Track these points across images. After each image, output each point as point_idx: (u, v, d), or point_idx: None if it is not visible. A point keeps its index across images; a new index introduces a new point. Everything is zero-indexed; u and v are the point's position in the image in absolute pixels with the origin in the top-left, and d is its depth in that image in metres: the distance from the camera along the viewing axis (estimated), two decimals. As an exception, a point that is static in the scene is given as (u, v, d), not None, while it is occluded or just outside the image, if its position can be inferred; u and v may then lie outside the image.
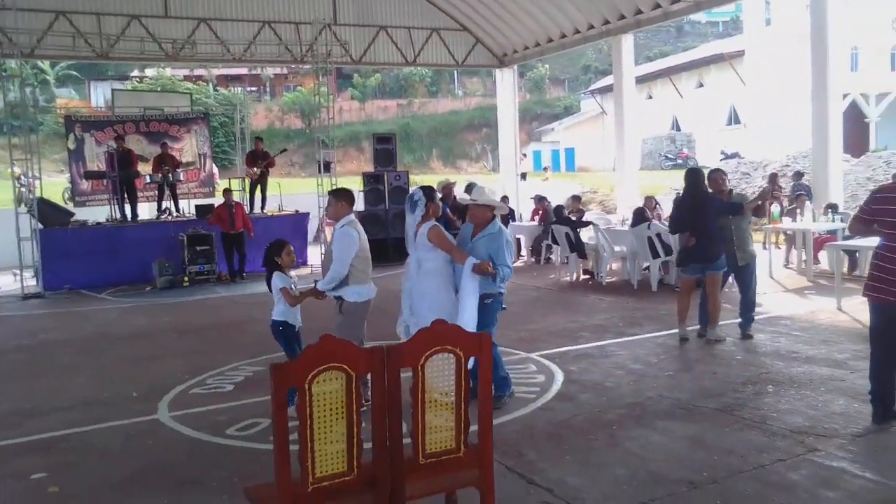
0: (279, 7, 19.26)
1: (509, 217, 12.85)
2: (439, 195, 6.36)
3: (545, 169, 38.35)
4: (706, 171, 7.92)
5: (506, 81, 23.13)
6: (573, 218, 12.69)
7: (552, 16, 19.40)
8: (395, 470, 2.99)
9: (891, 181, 7.42)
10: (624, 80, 18.19)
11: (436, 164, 52.62)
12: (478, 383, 3.23)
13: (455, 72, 59.22)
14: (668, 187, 25.44)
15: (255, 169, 15.51)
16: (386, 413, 2.95)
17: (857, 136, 30.85)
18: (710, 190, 7.55)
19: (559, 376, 6.49)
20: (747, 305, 7.65)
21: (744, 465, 4.41)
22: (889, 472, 4.24)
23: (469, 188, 6.53)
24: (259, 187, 15.85)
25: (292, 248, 6.05)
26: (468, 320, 5.30)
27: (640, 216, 11.16)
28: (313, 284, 5.86)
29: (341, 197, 5.91)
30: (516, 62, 22.86)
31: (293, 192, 19.22)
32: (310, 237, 16.65)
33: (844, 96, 25.85)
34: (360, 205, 15.51)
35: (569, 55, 42.68)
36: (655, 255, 10.81)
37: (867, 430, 4.88)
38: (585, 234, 12.59)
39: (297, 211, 16.04)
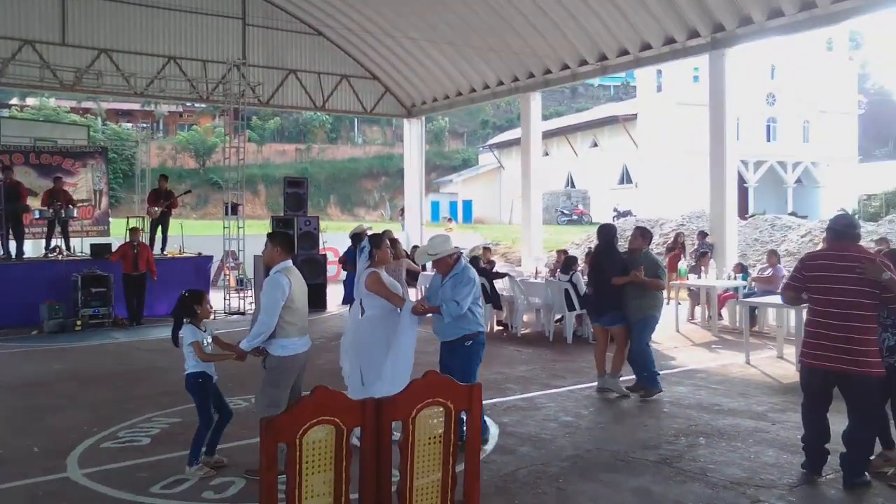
0: (186, 43, 18.84)
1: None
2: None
3: (448, 219, 38.69)
4: (636, 227, 8.12)
5: (413, 132, 23.35)
6: (484, 266, 12.77)
7: (462, 70, 19.84)
8: (380, 530, 2.82)
9: (819, 248, 7.76)
10: (531, 137, 18.75)
11: (333, 211, 52.28)
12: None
13: (356, 119, 59.51)
14: (568, 242, 26.20)
15: (157, 208, 14.85)
16: (375, 468, 2.79)
17: (739, 200, 32.86)
18: (625, 246, 7.80)
19: (493, 429, 6.40)
20: (632, 359, 7.65)
21: (695, 518, 4.46)
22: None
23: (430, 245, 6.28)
24: (160, 227, 15.18)
25: (209, 298, 5.71)
26: (403, 365, 5.43)
27: (569, 264, 11.38)
28: (236, 343, 5.31)
29: (276, 241, 5.47)
30: (424, 113, 23.18)
31: (192, 233, 18.53)
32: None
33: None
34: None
35: (468, 109, 43.69)
36: (571, 307, 11.00)
37: (800, 480, 5.05)
38: (499, 286, 12.67)
39: (199, 254, 15.42)
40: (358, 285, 5.78)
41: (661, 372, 7.79)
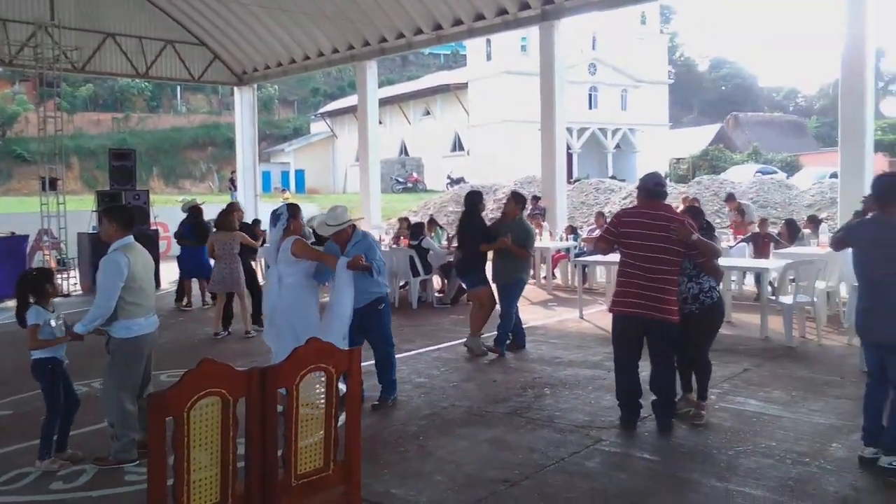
0: (-20, -2, 17.05)
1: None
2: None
3: (282, 190, 37.88)
4: (511, 194, 8.38)
5: (244, 100, 22.61)
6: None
7: (295, 37, 19.44)
8: (267, 495, 2.91)
9: (631, 206, 8.21)
10: (368, 105, 18.78)
11: (157, 184, 49.50)
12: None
13: (178, 87, 56.46)
14: (405, 209, 26.58)
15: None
16: (261, 436, 2.87)
17: (566, 165, 34.69)
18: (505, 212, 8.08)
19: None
20: (501, 321, 8.02)
21: (547, 461, 4.87)
22: (662, 452, 4.94)
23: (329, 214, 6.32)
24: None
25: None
26: (344, 320, 5.67)
27: (418, 231, 11.65)
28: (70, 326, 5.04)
29: (113, 216, 5.14)
30: (256, 81, 22.51)
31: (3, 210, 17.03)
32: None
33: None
34: (94, 226, 14.25)
35: (298, 77, 42.80)
36: (416, 273, 11.30)
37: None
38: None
39: (12, 233, 14.23)
40: (278, 254, 5.82)
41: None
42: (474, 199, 8.16)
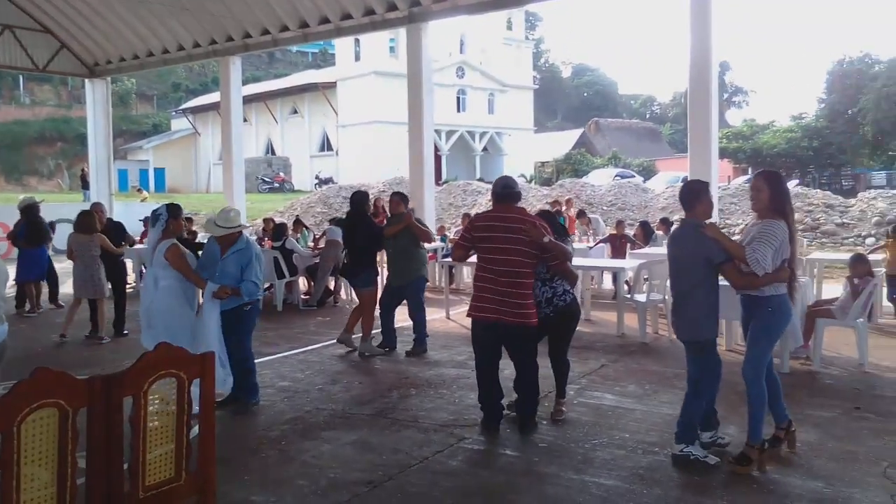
0: None
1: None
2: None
3: (139, 189, 36.06)
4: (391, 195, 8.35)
5: (97, 93, 21.29)
6: (187, 238, 12.31)
7: (154, 29, 18.52)
8: (111, 510, 2.74)
9: (484, 211, 8.14)
10: (232, 102, 18.16)
11: (-1, 182, 46.04)
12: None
13: (21, 76, 52.59)
14: (272, 210, 25.99)
15: None
16: (105, 448, 2.69)
17: (434, 167, 35.16)
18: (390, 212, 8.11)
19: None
20: (416, 322, 8.08)
21: (410, 461, 4.88)
22: (523, 449, 5.07)
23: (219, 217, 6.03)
24: None
25: None
26: (212, 344, 5.47)
27: (280, 232, 11.38)
28: None
29: None
30: (110, 73, 21.26)
31: None
32: None
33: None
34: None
35: (158, 71, 40.94)
36: (280, 275, 11.06)
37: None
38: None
39: None
40: (153, 254, 5.71)
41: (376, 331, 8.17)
42: (361, 199, 8.07)
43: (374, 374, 7.22)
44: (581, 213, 15.12)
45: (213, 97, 49.75)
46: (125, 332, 9.26)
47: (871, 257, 8.61)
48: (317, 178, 40.61)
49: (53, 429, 2.55)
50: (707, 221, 4.76)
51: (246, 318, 5.95)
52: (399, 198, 8.12)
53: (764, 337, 4.62)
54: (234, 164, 18.21)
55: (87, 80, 21.29)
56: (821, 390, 6.38)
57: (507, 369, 5.55)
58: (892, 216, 17.14)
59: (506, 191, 5.39)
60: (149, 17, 17.96)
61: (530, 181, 37.70)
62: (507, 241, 5.17)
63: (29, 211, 10.92)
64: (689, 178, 12.55)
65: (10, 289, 12.46)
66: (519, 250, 5.15)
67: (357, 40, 40.22)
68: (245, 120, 46.09)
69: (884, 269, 9.17)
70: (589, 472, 4.61)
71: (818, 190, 22.55)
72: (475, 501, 4.29)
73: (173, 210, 5.87)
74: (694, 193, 4.78)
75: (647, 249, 11.06)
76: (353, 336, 8.04)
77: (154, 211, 5.89)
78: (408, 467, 4.77)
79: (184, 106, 53.52)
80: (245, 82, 44.00)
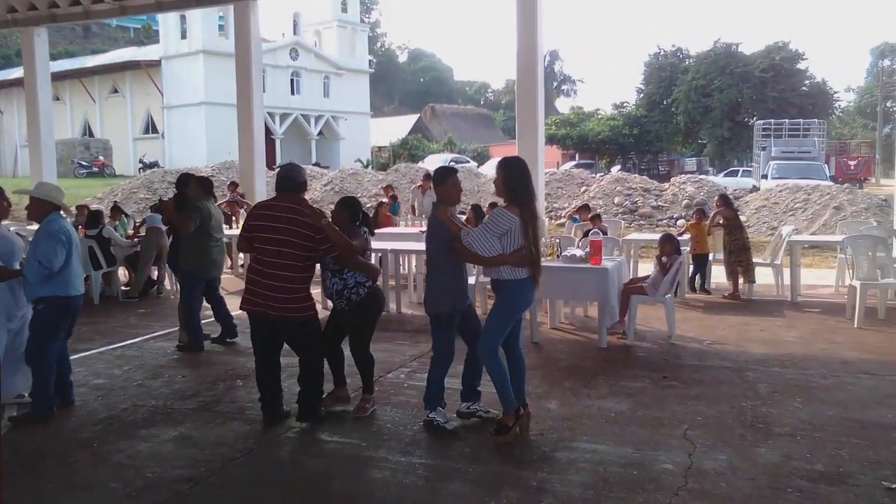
0: None
1: None
2: None
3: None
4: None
5: None
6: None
7: (-59, -7, 16.61)
8: None
9: (265, 200, 6.27)
10: (38, 78, 16.64)
11: None
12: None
13: None
14: (90, 196, 24.29)
15: None
16: None
17: (267, 152, 34.25)
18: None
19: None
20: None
21: (235, 454, 4.71)
22: (352, 434, 5.01)
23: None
24: None
25: None
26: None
27: (96, 219, 10.58)
28: None
29: None
30: None
31: None
32: None
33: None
34: None
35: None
36: (97, 265, 10.33)
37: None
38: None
39: None
40: None
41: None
42: (184, 181, 7.63)
43: (200, 366, 6.90)
44: (428, 176, 15.22)
45: (18, 72, 45.63)
46: None
47: (681, 238, 9.29)
48: (141, 161, 38.31)
49: None
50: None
51: (36, 319, 5.35)
52: (196, 182, 7.55)
53: (499, 316, 4.82)
54: (43, 146, 16.75)
55: None
56: (634, 362, 6.81)
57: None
58: (699, 200, 18.66)
59: (284, 181, 5.13)
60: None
61: (367, 166, 37.63)
62: (276, 230, 4.97)
63: None
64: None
65: None
66: (287, 241, 4.94)
67: (183, 17, 38.18)
68: (57, 98, 42.74)
69: (688, 249, 9.94)
70: (416, 453, 4.64)
71: (637, 175, 24.11)
72: (302, 491, 4.21)
73: None
74: (439, 178, 5.00)
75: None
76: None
77: None
78: (232, 461, 4.60)
79: (-16, 82, 48.63)
80: (56, 57, 40.63)
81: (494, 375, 4.79)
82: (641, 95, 53.42)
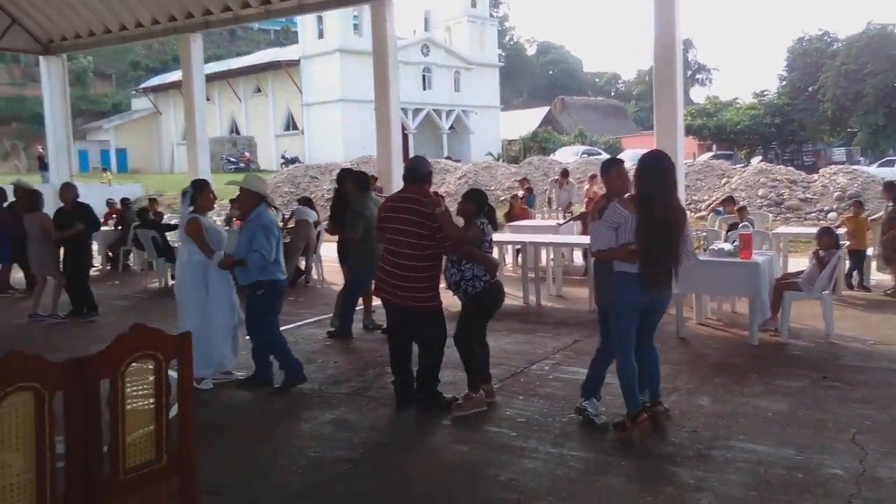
0: None
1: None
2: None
3: (103, 169, 35.34)
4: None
5: (53, 71, 20.70)
6: (153, 219, 12.13)
7: (110, 5, 18.02)
8: (90, 493, 2.69)
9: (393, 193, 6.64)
10: (194, 81, 17.79)
11: (-50, 162, 44.82)
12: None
13: (-27, 55, 51.03)
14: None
15: None
16: (82, 432, 2.64)
17: (402, 146, 35.09)
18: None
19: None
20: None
21: (389, 438, 4.90)
22: (501, 424, 5.07)
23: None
24: None
25: None
26: (224, 316, 5.95)
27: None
28: None
29: None
30: (66, 51, 20.65)
31: None
32: None
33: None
34: None
35: (116, 49, 39.90)
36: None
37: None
38: (171, 238, 12.11)
39: None
40: (180, 230, 6.09)
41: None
42: (341, 176, 7.98)
43: (350, 353, 7.18)
44: (565, 173, 15.13)
45: (174, 76, 48.80)
46: (86, 311, 9.26)
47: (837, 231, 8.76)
48: (283, 157, 40.18)
49: (29, 413, 2.48)
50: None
51: (259, 302, 5.89)
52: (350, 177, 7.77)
53: (614, 311, 4.72)
54: (199, 143, 17.89)
55: (41, 58, 20.68)
56: (789, 361, 6.50)
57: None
58: (852, 192, 17.50)
59: (409, 172, 5.37)
60: (105, -8, 17.50)
61: (498, 159, 37.73)
62: (399, 220, 5.17)
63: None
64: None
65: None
66: (409, 231, 5.09)
67: (320, 18, 39.65)
68: (208, 99, 45.32)
69: (847, 243, 9.36)
70: (567, 445, 4.65)
71: (781, 166, 22.89)
72: (456, 475, 4.31)
73: (197, 183, 6.15)
74: (604, 169, 5.06)
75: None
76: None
77: (184, 189, 6.19)
78: (384, 445, 4.77)
79: (144, 85, 52.45)
80: (206, 60, 43.14)
81: (621, 372, 4.71)
82: (784, 83, 50.60)
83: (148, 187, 27.78)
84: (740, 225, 8.40)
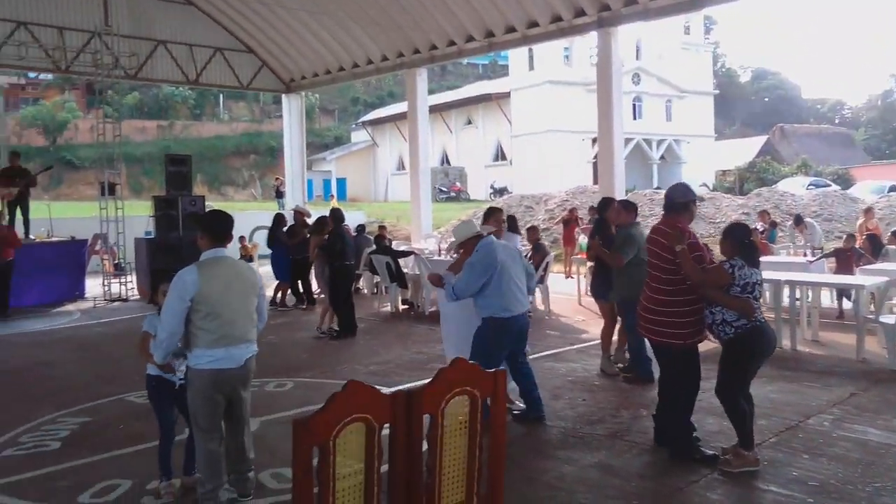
0: (39, 7, 17.09)
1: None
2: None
3: (332, 197, 37.94)
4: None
5: (293, 108, 22.53)
6: (385, 245, 12.56)
7: (345, 44, 19.27)
8: (409, 530, 2.59)
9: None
10: (418, 113, 18.51)
11: (200, 190, 49.94)
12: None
13: (221, 95, 57.05)
14: (451, 218, 26.24)
15: (13, 189, 13.45)
16: (407, 464, 2.55)
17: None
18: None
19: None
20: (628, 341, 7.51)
21: (663, 489, 4.50)
22: (790, 486, 4.50)
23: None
24: (19, 209, 13.79)
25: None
26: (455, 337, 6.11)
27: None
28: None
29: (200, 224, 4.48)
30: (304, 88, 22.40)
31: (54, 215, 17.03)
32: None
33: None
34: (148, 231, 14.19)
35: (338, 87, 42.68)
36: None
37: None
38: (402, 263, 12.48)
39: (73, 237, 14.25)
40: None
41: (577, 346, 7.81)
42: (605, 205, 7.78)
43: (595, 391, 6.85)
44: (798, 219, 13.88)
45: (389, 110, 51.54)
46: (340, 331, 9.86)
47: None
48: (492, 187, 40.86)
49: (360, 444, 2.42)
50: None
51: (477, 334, 5.69)
52: (623, 206, 7.34)
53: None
54: (421, 172, 18.52)
55: (284, 96, 22.56)
56: None
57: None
58: None
59: (665, 201, 5.18)
60: (340, 33, 18.72)
61: (713, 190, 35.84)
62: (650, 252, 5.08)
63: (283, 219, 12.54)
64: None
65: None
66: (654, 263, 5.01)
67: (530, 50, 40.08)
68: (423, 131, 47.13)
69: None
70: (879, 519, 4.02)
71: None
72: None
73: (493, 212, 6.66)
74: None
75: (881, 265, 9.94)
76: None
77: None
78: (661, 496, 4.40)
79: (363, 119, 55.80)
80: (425, 94, 44.96)
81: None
82: None
83: (368, 214, 29.27)
84: None
